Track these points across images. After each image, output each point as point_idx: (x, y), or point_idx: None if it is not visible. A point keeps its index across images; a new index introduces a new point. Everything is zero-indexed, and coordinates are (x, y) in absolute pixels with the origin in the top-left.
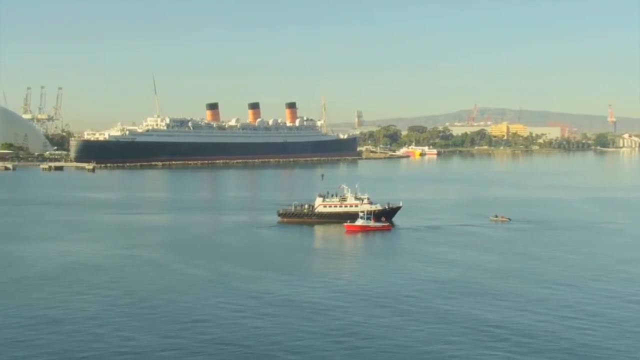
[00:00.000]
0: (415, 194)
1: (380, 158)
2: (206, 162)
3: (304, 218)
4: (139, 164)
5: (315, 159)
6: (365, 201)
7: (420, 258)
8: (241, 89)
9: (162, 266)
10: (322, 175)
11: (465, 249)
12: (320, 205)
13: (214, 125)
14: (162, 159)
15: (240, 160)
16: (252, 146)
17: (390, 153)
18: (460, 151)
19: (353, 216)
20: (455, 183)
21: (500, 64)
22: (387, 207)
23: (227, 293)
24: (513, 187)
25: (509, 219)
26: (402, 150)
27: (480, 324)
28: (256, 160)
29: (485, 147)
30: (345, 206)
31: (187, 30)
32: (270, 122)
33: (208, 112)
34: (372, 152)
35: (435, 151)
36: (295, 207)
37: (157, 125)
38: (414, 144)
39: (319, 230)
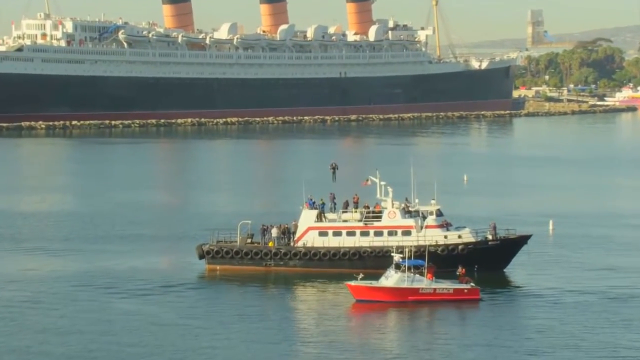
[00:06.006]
0: (603, 200)
1: (567, 113)
2: (155, 121)
3: (266, 264)
4: None
5: (410, 115)
6: (431, 220)
7: None
8: None
9: None
10: (334, 168)
11: None
12: (311, 231)
13: (180, 40)
14: (53, 113)
15: (237, 119)
16: (267, 87)
17: (593, 101)
18: None
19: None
20: None
21: None
22: (489, 239)
23: None
24: None
25: None
26: (621, 96)
27: None
28: (273, 118)
29: None
30: (377, 232)
31: None
32: (310, 34)
33: (167, 10)
34: (549, 99)
35: None
36: (248, 235)
37: (43, 36)
38: None
39: (300, 300)
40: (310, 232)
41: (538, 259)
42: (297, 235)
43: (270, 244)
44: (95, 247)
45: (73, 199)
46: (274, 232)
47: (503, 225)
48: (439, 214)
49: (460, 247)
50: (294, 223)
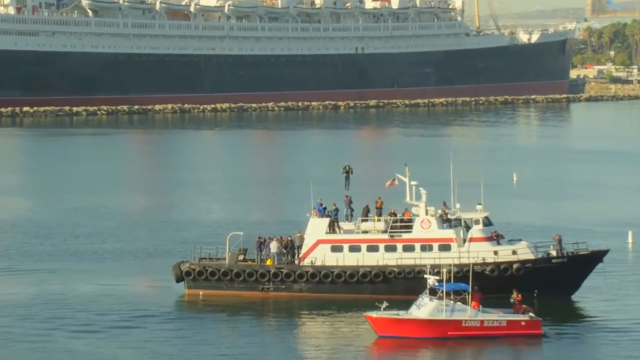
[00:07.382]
0: None
1: (638, 97)
2: (127, 107)
3: (262, 288)
4: None
5: (442, 101)
6: (477, 231)
7: None
8: None
9: None
10: (347, 172)
11: None
12: (321, 245)
13: (158, 7)
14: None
15: (229, 105)
16: (266, 65)
17: None
18: None
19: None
20: None
21: None
22: (552, 255)
23: None
24: None
25: None
26: None
27: None
28: (273, 104)
29: None
30: (406, 246)
31: None
32: (320, 1)
33: None
34: (615, 79)
35: None
36: (239, 251)
37: None
38: None
39: (306, 336)
40: (320, 246)
41: (616, 281)
42: (303, 250)
43: (269, 262)
44: (40, 267)
45: (18, 204)
46: (274, 246)
47: (569, 238)
48: (487, 222)
49: (515, 266)
50: (298, 235)
